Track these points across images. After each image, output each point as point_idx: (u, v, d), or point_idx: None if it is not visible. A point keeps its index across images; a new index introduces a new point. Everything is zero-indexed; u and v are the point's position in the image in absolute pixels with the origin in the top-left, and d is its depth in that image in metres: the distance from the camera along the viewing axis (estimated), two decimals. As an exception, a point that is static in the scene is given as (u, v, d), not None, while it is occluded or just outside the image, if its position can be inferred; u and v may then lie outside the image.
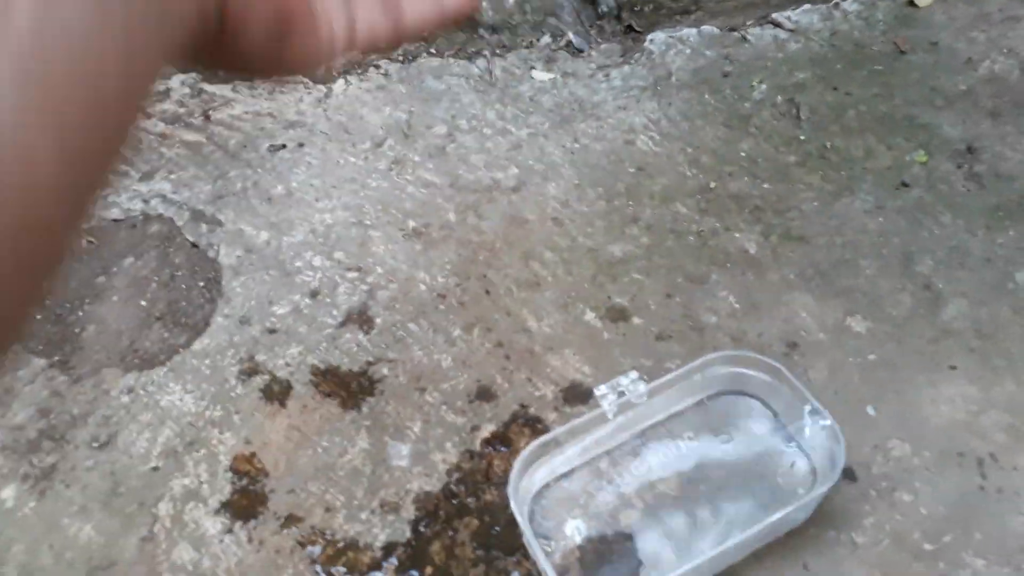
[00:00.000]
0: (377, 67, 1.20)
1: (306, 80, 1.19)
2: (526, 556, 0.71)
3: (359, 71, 1.20)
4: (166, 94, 1.18)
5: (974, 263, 0.92)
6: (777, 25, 1.22)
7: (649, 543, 0.70)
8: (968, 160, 1.03)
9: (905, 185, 1.00)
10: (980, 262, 0.92)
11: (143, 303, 0.95)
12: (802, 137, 1.07)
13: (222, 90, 1.18)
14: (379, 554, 0.73)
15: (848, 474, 0.75)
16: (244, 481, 0.78)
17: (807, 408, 0.74)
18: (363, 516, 0.75)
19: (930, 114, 1.08)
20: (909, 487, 0.75)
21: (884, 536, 0.72)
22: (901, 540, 0.72)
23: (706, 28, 1.22)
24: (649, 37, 1.22)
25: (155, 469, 0.80)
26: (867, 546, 0.71)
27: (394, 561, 0.72)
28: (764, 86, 1.14)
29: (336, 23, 0.32)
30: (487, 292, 0.93)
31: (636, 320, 0.89)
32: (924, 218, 0.97)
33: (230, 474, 0.79)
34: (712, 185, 1.02)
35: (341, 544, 0.74)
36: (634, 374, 0.75)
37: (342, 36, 0.33)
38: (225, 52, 0.29)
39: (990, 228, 0.95)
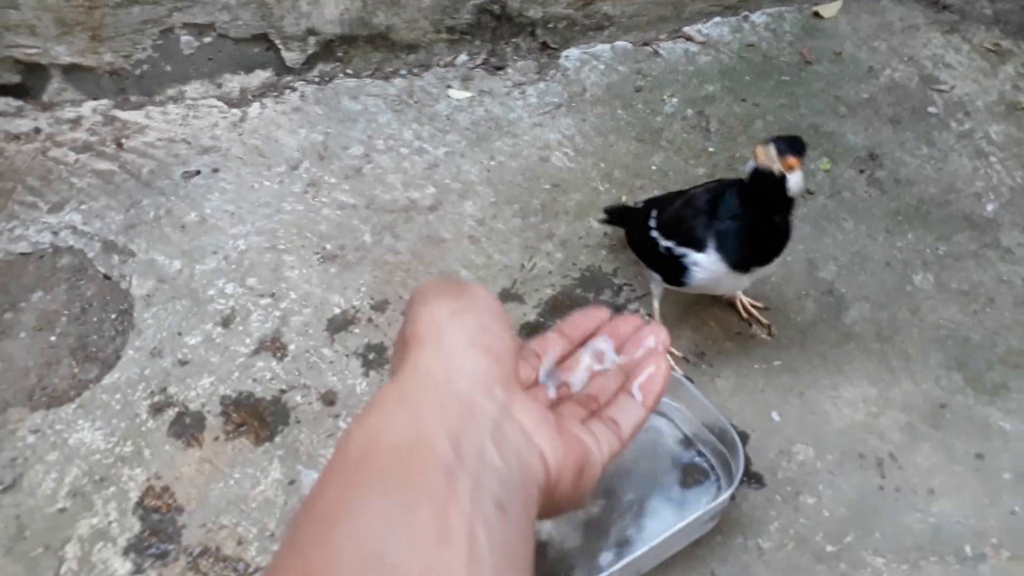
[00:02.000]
0: (293, 89, 1.19)
1: (220, 104, 1.18)
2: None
3: (275, 93, 1.19)
4: (77, 122, 1.16)
5: (875, 267, 0.95)
6: (688, 39, 1.25)
7: (558, 555, 0.71)
8: (870, 166, 1.06)
9: (810, 193, 1.03)
10: (880, 266, 0.95)
11: (52, 338, 0.93)
12: (711, 149, 1.09)
13: (135, 116, 1.16)
14: (291, 585, 0.72)
15: (754, 479, 0.77)
16: (155, 517, 0.77)
17: (711, 418, 0.75)
18: (275, 547, 0.75)
19: (834, 122, 1.12)
20: (813, 490, 0.77)
21: (789, 540, 0.74)
22: (805, 543, 0.74)
23: (619, 43, 1.24)
24: (564, 54, 1.23)
25: (62, 510, 0.78)
26: (772, 550, 0.73)
27: (307, 591, 0.72)
28: (675, 100, 1.16)
29: (600, 451, 0.45)
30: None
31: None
32: (828, 225, 1.00)
33: (140, 511, 0.78)
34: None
35: (253, 576, 0.73)
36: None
37: (607, 457, 0.46)
38: (549, 501, 0.40)
39: (890, 232, 0.98)
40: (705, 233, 0.75)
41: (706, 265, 0.75)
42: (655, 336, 0.54)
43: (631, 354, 0.53)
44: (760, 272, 0.78)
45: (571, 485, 0.42)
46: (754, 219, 0.73)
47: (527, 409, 0.41)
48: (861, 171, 1.06)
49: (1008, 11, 1.25)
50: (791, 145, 0.70)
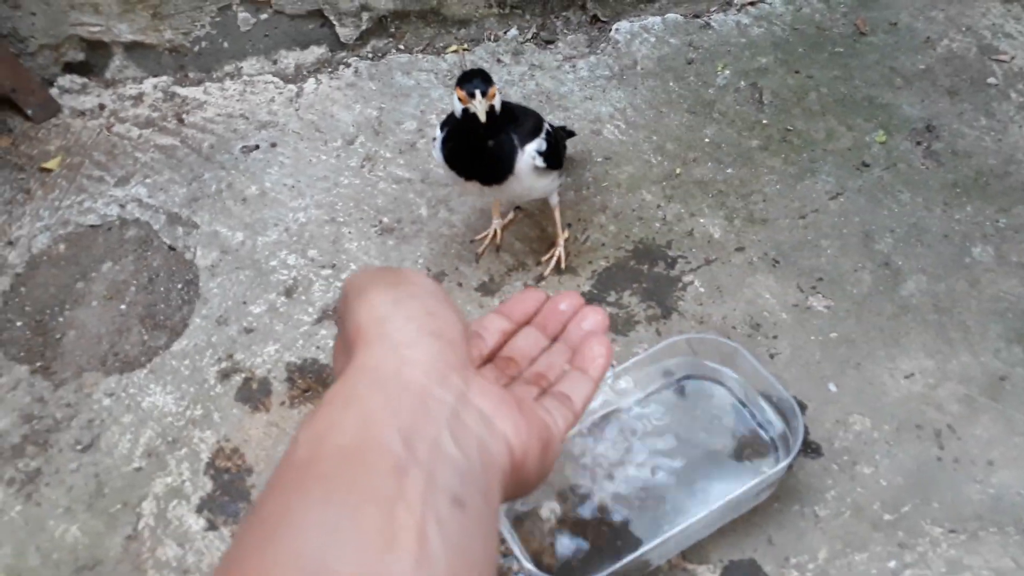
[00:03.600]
0: (347, 65, 1.21)
1: (276, 79, 1.20)
2: (500, 540, 0.74)
3: (329, 69, 1.21)
4: (139, 99, 1.19)
5: (932, 239, 0.94)
6: (740, 9, 1.24)
7: (621, 521, 0.73)
8: (927, 139, 1.05)
9: (865, 165, 1.02)
10: (938, 238, 0.94)
11: (122, 307, 0.96)
12: (764, 121, 1.09)
13: (194, 92, 1.19)
14: (358, 543, 0.75)
15: (811, 449, 0.78)
16: (225, 477, 0.80)
17: (769, 387, 0.76)
18: (342, 507, 0.77)
19: (890, 94, 1.10)
20: (870, 460, 0.77)
21: (845, 508, 0.75)
22: (862, 511, 0.74)
23: (670, 16, 1.24)
24: (615, 27, 1.23)
25: (138, 469, 0.82)
26: (829, 518, 0.74)
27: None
28: (727, 72, 1.15)
29: (557, 427, 0.45)
30: (460, 285, 0.95)
31: (605, 306, 0.91)
32: (884, 197, 0.99)
33: (212, 471, 0.81)
34: (677, 171, 1.04)
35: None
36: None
37: (563, 431, 0.46)
38: (515, 482, 0.40)
39: (947, 205, 0.97)
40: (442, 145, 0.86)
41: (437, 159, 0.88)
42: (594, 317, 0.55)
43: (572, 334, 0.52)
44: (498, 189, 0.86)
45: (537, 462, 0.41)
46: (463, 141, 0.83)
47: (485, 393, 0.40)
48: (918, 143, 1.04)
49: (1072, -21, 1.21)
50: (470, 82, 0.79)
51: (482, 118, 0.78)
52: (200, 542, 0.76)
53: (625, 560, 0.65)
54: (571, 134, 1.04)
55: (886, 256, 0.93)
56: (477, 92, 0.78)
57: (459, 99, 0.79)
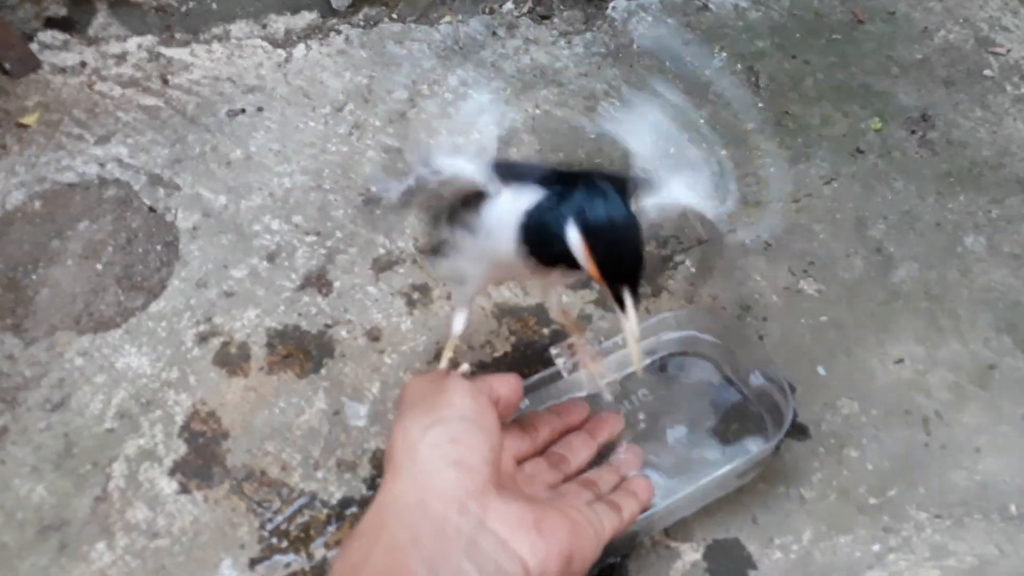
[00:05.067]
0: (338, 32, 1.18)
1: (265, 44, 1.17)
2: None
3: (320, 36, 1.18)
4: (122, 57, 1.16)
5: (925, 228, 0.93)
6: (739, -6, 1.23)
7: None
8: (922, 127, 1.04)
9: (860, 152, 1.02)
10: (930, 227, 0.94)
11: (99, 267, 0.93)
12: (760, 104, 1.07)
13: (180, 54, 1.16)
14: (335, 510, 0.73)
15: (799, 431, 0.77)
16: (200, 441, 0.78)
17: (758, 366, 0.75)
18: (319, 475, 0.76)
19: (886, 82, 1.10)
20: (857, 444, 0.77)
21: (831, 491, 0.74)
22: (848, 494, 0.73)
23: (669, -4, 1.22)
24: (611, 4, 1.22)
25: (109, 430, 0.79)
26: (815, 500, 0.73)
27: (350, 516, 0.73)
28: (724, 54, 1.14)
29: (597, 527, 0.52)
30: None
31: (595, 283, 0.89)
32: (878, 184, 0.98)
33: (186, 434, 0.79)
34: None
35: (298, 502, 0.74)
36: (589, 334, 0.76)
37: (607, 535, 0.54)
38: None
39: (941, 194, 0.97)
40: None
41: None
42: (633, 453, 0.62)
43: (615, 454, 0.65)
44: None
45: (561, 571, 0.44)
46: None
47: (503, 517, 0.43)
48: (913, 132, 1.04)
49: (1070, -24, 1.21)
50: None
51: (636, 366, 0.56)
52: (172, 505, 0.74)
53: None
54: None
55: (878, 242, 0.92)
56: (628, 298, 0.51)
57: (589, 270, 0.51)
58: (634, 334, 0.52)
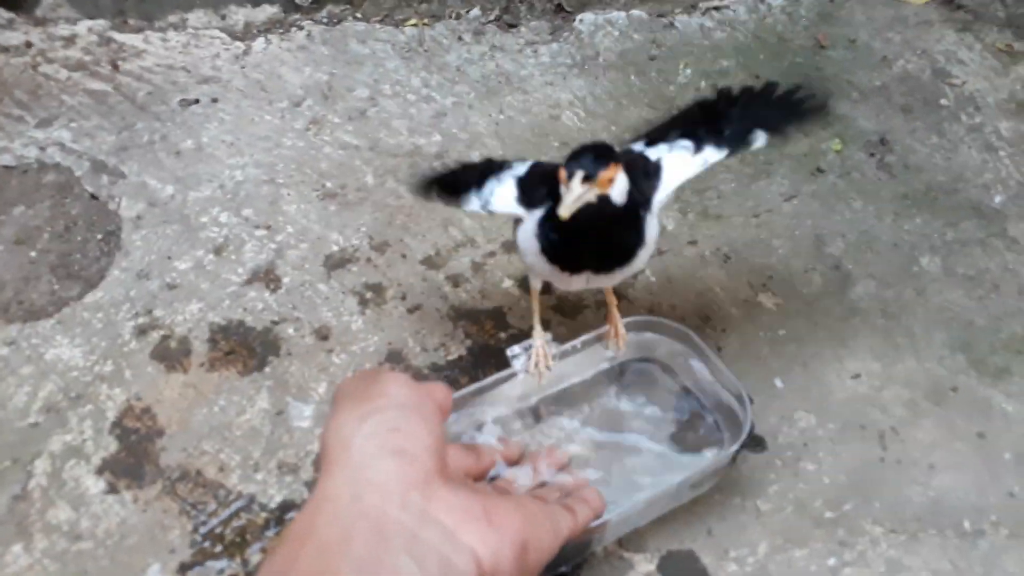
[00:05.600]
0: (300, 27, 1.16)
1: (223, 35, 1.14)
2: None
3: (281, 30, 1.15)
4: (71, 40, 1.11)
5: (882, 247, 0.94)
6: (705, 13, 1.24)
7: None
8: (880, 151, 1.05)
9: (820, 171, 1.02)
10: (888, 246, 0.94)
11: (32, 254, 0.88)
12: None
13: (133, 40, 1.12)
14: (275, 514, 0.69)
15: (756, 443, 0.76)
16: (132, 439, 0.74)
17: (717, 376, 0.73)
18: (259, 476, 0.72)
19: (846, 106, 1.11)
20: (813, 457, 0.76)
21: (787, 503, 0.72)
22: (804, 507, 0.72)
23: (635, 12, 1.23)
24: (579, 17, 1.21)
25: (34, 425, 0.74)
26: (770, 513, 0.72)
27: (290, 521, 0.69)
28: (689, 71, 1.14)
29: (553, 522, 0.49)
30: (403, 256, 0.90)
31: (553, 290, 0.88)
32: (837, 203, 0.99)
33: (118, 431, 0.74)
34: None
35: (235, 504, 0.70)
36: (548, 335, 0.74)
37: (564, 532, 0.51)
38: None
39: (898, 215, 0.98)
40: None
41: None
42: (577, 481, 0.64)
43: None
44: (608, 278, 0.67)
45: (515, 565, 0.41)
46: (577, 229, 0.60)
47: (449, 506, 0.39)
48: (871, 154, 1.05)
49: (1021, 15, 1.25)
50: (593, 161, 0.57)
51: (563, 214, 0.55)
52: (97, 505, 0.69)
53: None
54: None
55: (837, 260, 0.92)
56: (578, 173, 0.55)
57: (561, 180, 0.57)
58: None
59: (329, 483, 0.39)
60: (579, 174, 0.56)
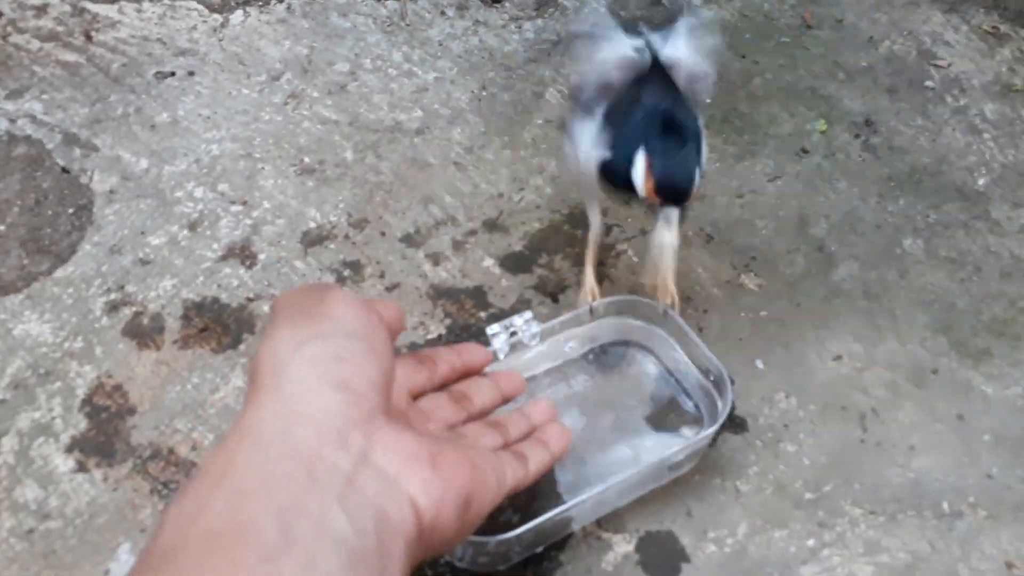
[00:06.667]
0: (280, 0, 1.13)
1: (200, 7, 1.11)
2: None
3: (260, 3, 1.13)
4: (43, 10, 1.08)
5: (865, 228, 0.93)
6: (691, -8, 1.22)
7: (538, 484, 0.68)
8: (865, 132, 1.05)
9: (805, 152, 1.01)
10: (871, 228, 0.94)
11: (1, 227, 0.86)
12: (708, 100, 1.06)
13: (107, 11, 1.09)
14: (248, 494, 0.68)
15: (736, 424, 0.75)
16: (103, 416, 0.72)
17: (697, 356, 0.73)
18: (233, 455, 0.70)
19: (832, 86, 1.10)
20: (794, 438, 0.75)
21: (767, 484, 0.72)
22: (784, 488, 0.72)
23: (621, -11, 1.21)
24: (564, -7, 1.19)
25: (1, 401, 0.73)
26: (750, 494, 0.71)
27: (264, 502, 0.68)
28: (675, 49, 1.13)
29: (499, 474, 0.44)
30: (382, 233, 0.89)
31: (536, 269, 0.87)
32: (821, 184, 0.98)
33: (88, 408, 0.73)
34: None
35: (207, 483, 0.68)
36: (528, 314, 0.73)
37: (509, 485, 0.45)
38: (427, 545, 0.36)
39: (882, 196, 0.97)
40: None
41: None
42: (545, 404, 0.58)
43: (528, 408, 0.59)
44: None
45: (455, 520, 0.37)
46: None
47: (392, 449, 0.36)
48: (856, 135, 1.04)
49: (1008, -3, 1.24)
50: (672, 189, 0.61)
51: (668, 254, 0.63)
52: (67, 484, 0.68)
53: (552, 513, 0.60)
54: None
55: (820, 241, 0.92)
56: (674, 215, 0.61)
57: (644, 187, 0.61)
58: (673, 246, 0.63)
59: (255, 414, 0.34)
60: (674, 213, 0.61)
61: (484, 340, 0.73)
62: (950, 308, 0.86)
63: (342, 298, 0.39)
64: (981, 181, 1.00)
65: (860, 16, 1.21)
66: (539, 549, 0.65)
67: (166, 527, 0.31)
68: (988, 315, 0.86)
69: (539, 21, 1.16)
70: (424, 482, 0.35)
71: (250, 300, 0.81)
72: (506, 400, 0.58)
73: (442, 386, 0.53)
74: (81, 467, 0.69)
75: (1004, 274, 0.90)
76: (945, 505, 0.71)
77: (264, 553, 0.29)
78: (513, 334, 0.71)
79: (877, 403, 0.78)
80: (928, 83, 1.12)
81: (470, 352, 0.56)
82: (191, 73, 1.03)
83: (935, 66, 1.15)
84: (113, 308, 0.80)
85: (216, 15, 1.11)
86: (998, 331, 0.85)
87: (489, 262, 0.87)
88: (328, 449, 0.32)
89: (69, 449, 0.70)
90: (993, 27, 1.21)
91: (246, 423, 0.33)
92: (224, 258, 0.84)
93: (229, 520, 0.30)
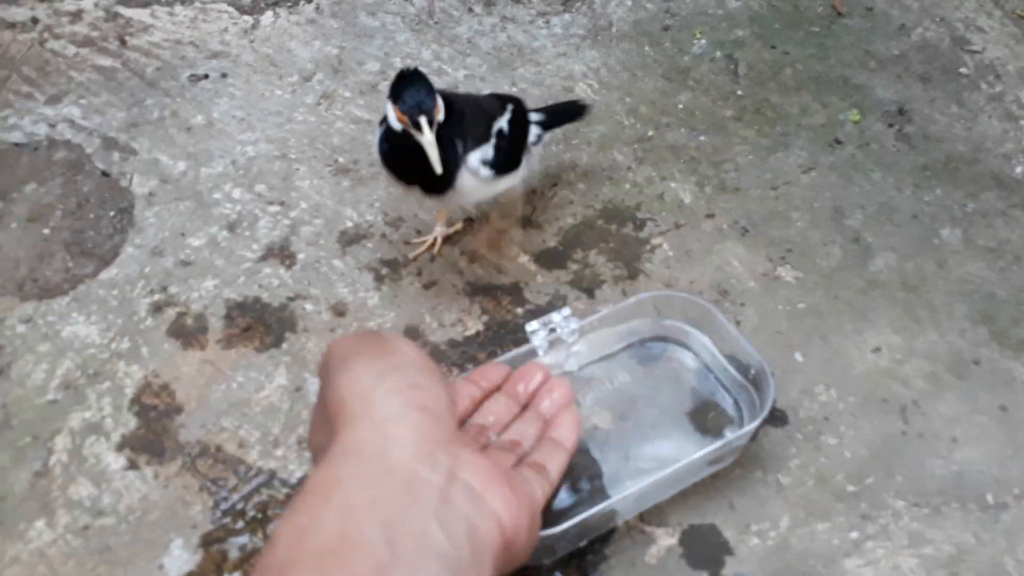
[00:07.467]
0: (309, 1, 1.14)
1: (231, 9, 1.12)
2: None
3: (289, 3, 1.14)
4: (78, 16, 1.10)
5: (902, 219, 0.93)
6: (719, -18, 1.21)
7: (581, 479, 0.68)
8: (899, 121, 1.04)
9: (838, 142, 1.01)
10: (907, 218, 0.93)
11: (45, 231, 0.88)
12: (739, 92, 1.06)
13: (140, 15, 1.11)
14: (295, 489, 0.69)
15: (776, 417, 0.75)
16: (151, 415, 0.74)
17: (737, 350, 0.73)
18: (279, 452, 0.72)
19: (864, 76, 1.09)
20: (835, 431, 0.75)
21: (809, 477, 0.72)
22: (825, 481, 0.72)
23: (649, -19, 1.21)
24: (591, -13, 1.19)
25: (52, 402, 0.74)
26: (792, 487, 0.71)
27: (311, 498, 0.69)
28: (704, 41, 1.13)
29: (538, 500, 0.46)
30: (418, 232, 0.89)
31: (571, 264, 0.87)
32: (855, 175, 0.97)
33: (137, 407, 0.74)
34: (649, 135, 1.00)
35: (255, 480, 0.70)
36: (567, 311, 0.73)
37: (541, 502, 0.47)
38: (506, 559, 0.39)
39: (918, 186, 0.96)
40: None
41: None
42: (560, 390, 0.58)
43: (542, 404, 0.59)
44: (441, 200, 0.78)
45: (527, 536, 0.39)
46: (401, 147, 0.73)
47: (475, 467, 0.38)
48: (890, 125, 1.03)
49: (1042, -19, 1.22)
50: (411, 100, 0.68)
51: (435, 160, 0.66)
52: (119, 482, 0.69)
53: (596, 508, 0.61)
54: (574, 111, 0.93)
55: (856, 232, 0.91)
56: (423, 120, 0.66)
57: (397, 119, 0.68)
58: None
59: (353, 434, 0.36)
60: (424, 119, 0.66)
61: (522, 336, 0.73)
62: (990, 298, 0.86)
63: (402, 338, 0.44)
64: (1019, 169, 0.99)
65: (891, 3, 1.20)
66: (583, 543, 0.66)
67: (279, 542, 0.32)
68: (1029, 305, 0.85)
69: (566, 16, 1.16)
70: (505, 499, 0.37)
71: (291, 299, 0.82)
72: (523, 405, 0.60)
73: (465, 418, 0.56)
74: (132, 465, 0.71)
75: (1044, 263, 0.89)
76: (989, 497, 0.71)
77: (374, 566, 0.31)
78: (552, 331, 0.72)
79: (918, 395, 0.78)
80: (962, 70, 1.11)
81: (485, 376, 0.61)
82: (224, 75, 1.04)
83: (969, 52, 1.13)
84: (157, 309, 0.81)
85: (247, 16, 1.12)
86: (1039, 321, 0.84)
87: (525, 258, 0.87)
88: (423, 467, 0.35)
89: (120, 447, 0.72)
90: (1027, 12, 1.19)
91: (346, 443, 0.36)
92: (264, 258, 0.85)
93: (339, 535, 0.32)
